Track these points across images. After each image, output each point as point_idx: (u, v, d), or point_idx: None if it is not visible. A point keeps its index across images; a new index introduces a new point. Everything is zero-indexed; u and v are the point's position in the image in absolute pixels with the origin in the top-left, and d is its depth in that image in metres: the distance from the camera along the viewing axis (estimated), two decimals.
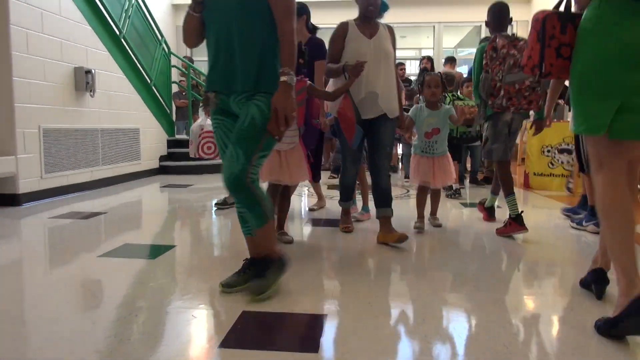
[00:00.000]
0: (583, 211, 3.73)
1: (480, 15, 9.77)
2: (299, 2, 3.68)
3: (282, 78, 1.88)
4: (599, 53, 1.77)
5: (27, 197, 4.35)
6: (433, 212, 3.67)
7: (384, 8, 3.07)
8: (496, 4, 3.47)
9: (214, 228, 3.70)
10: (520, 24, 9.98)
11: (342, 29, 3.04)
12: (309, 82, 2.90)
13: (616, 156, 1.79)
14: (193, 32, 2.06)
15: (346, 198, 3.39)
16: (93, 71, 5.14)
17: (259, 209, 1.97)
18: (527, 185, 5.65)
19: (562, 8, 2.01)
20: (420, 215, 3.51)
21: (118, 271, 2.48)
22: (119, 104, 5.90)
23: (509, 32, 3.32)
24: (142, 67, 6.48)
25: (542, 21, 1.88)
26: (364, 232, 3.39)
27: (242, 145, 1.90)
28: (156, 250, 2.88)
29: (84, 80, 5.00)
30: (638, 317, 1.59)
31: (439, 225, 3.57)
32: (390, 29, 3.12)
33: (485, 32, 10.10)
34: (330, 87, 3.11)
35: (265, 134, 1.92)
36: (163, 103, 7.25)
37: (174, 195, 5.29)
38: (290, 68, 1.89)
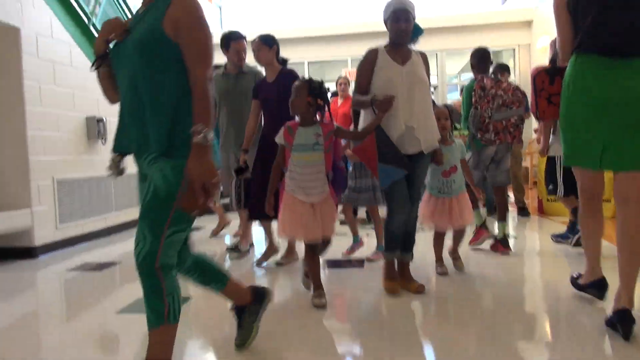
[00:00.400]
0: (572, 236, 3.81)
1: (482, 41, 9.90)
2: (268, 35, 3.66)
3: (195, 139, 1.52)
4: (578, 103, 2.12)
5: (43, 249, 4.38)
6: (454, 250, 3.32)
7: (417, 32, 2.82)
8: (479, 49, 4.06)
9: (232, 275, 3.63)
10: (522, 48, 10.09)
11: (371, 56, 2.79)
12: (336, 125, 2.71)
13: (596, 182, 2.28)
14: (107, 89, 1.78)
15: (392, 246, 2.87)
16: (104, 119, 5.24)
17: (159, 305, 1.59)
18: (541, 211, 5.61)
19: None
20: (439, 259, 3.28)
21: (134, 328, 2.46)
22: None
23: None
24: None
25: (533, 77, 2.40)
26: (378, 273, 3.33)
27: (147, 222, 1.58)
28: None
29: (95, 129, 5.09)
30: (595, 289, 2.41)
31: (461, 267, 3.25)
32: (423, 56, 2.87)
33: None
34: (362, 120, 2.89)
35: (175, 206, 1.57)
36: None
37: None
38: (205, 124, 1.54)
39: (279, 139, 2.67)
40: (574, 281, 2.62)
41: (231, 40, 3.95)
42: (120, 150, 1.73)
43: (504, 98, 3.63)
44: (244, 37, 4.03)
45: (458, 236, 3.32)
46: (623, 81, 2.03)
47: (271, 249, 3.78)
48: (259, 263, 3.70)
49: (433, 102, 3.03)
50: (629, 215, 2.12)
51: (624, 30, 2.03)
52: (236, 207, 3.94)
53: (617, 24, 2.04)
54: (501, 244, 3.79)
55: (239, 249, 4.06)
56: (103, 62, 1.72)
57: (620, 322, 2.06)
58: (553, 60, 2.38)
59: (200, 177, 1.52)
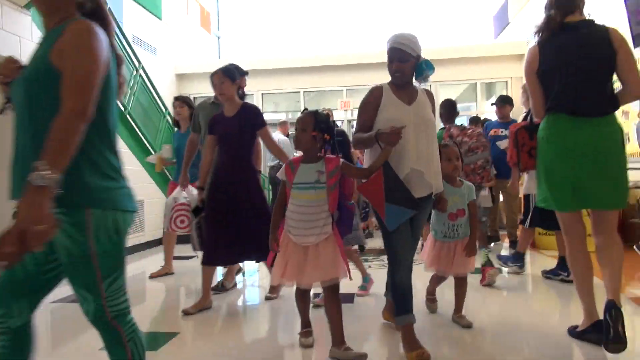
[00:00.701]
0: (562, 272, 3.92)
1: (475, 73, 10.08)
2: (230, 68, 3.50)
3: (30, 176, 1.24)
4: (551, 154, 2.47)
5: None
6: (458, 309, 2.99)
7: (422, 70, 2.56)
8: (447, 100, 4.57)
9: (220, 309, 3.59)
10: (515, 80, 10.26)
11: (376, 94, 2.58)
12: (342, 160, 2.47)
13: (573, 223, 2.53)
14: None
15: (404, 308, 2.47)
16: None
17: (122, 353, 1.52)
18: (533, 246, 5.60)
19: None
20: (432, 292, 3.17)
21: None
22: (132, 178, 5.97)
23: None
24: (146, 140, 6.64)
25: (515, 134, 2.75)
26: (368, 309, 3.31)
27: (79, 284, 1.47)
28: (158, 340, 2.82)
29: None
30: (594, 333, 2.43)
31: (469, 325, 2.88)
32: (429, 94, 2.69)
33: (480, 89, 10.37)
34: (367, 159, 2.67)
35: (96, 259, 1.44)
36: (167, 174, 7.37)
37: (177, 268, 5.23)
38: (52, 162, 1.26)
39: (281, 175, 2.50)
40: (572, 331, 2.64)
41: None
42: (13, 197, 1.48)
43: (469, 144, 4.04)
44: (247, 74, 4.03)
45: (461, 291, 3.00)
46: (587, 136, 2.40)
47: (203, 301, 3.45)
48: (186, 312, 3.36)
49: (445, 143, 2.98)
50: (604, 246, 2.46)
51: (584, 95, 2.41)
52: (199, 248, 3.67)
53: (578, 91, 2.42)
54: (487, 266, 3.90)
55: (225, 286, 4.00)
56: (6, 105, 1.58)
57: (607, 312, 2.26)
58: (531, 117, 2.72)
59: (21, 221, 1.23)
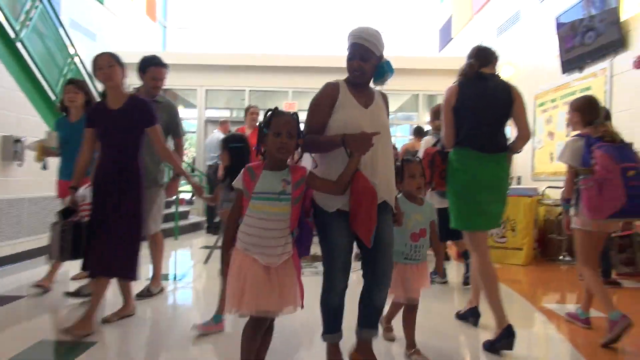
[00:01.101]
0: (466, 260, 4.33)
1: (417, 84, 10.33)
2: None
3: None
4: (462, 183, 2.91)
5: None
6: (412, 344, 2.72)
7: (382, 72, 2.33)
8: None
9: (144, 316, 3.41)
10: None
11: (331, 91, 2.29)
12: (309, 170, 2.15)
13: (481, 241, 2.96)
14: None
15: (333, 327, 2.37)
16: (23, 139, 4.96)
17: None
18: (459, 256, 5.81)
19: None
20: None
21: None
22: (49, 170, 5.66)
23: None
24: None
25: (432, 156, 3.03)
26: (293, 328, 3.30)
27: None
28: (74, 351, 2.68)
29: (11, 150, 4.81)
30: (505, 339, 2.72)
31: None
32: (385, 97, 2.45)
33: (422, 100, 10.66)
34: (319, 166, 2.27)
35: None
36: None
37: None
38: None
39: (237, 183, 2.08)
40: (486, 344, 2.83)
41: (151, 65, 3.63)
42: None
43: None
44: (166, 66, 3.72)
45: (411, 319, 2.77)
46: (491, 169, 2.88)
47: (125, 308, 3.23)
48: (106, 320, 3.12)
49: (408, 159, 2.77)
50: (483, 263, 2.89)
51: (489, 136, 2.89)
52: (58, 258, 3.09)
53: (484, 132, 2.88)
54: None
55: (150, 292, 3.84)
56: None
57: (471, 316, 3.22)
58: (442, 144, 3.06)
59: None
